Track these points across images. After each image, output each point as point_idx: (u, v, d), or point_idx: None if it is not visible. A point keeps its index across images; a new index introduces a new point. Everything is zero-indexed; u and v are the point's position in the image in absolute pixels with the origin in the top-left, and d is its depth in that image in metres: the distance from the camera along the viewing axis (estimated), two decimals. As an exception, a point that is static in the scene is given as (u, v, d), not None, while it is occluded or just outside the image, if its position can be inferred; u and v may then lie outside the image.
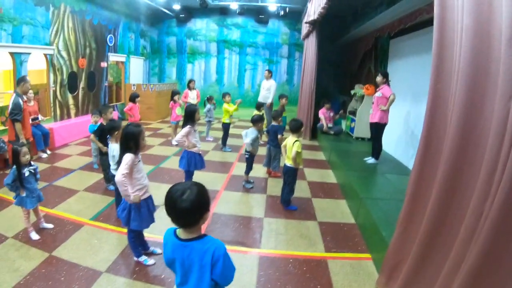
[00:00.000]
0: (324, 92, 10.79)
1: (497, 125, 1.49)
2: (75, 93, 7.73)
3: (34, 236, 3.17)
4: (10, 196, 3.20)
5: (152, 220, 2.82)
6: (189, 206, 1.32)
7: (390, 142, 5.68)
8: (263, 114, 6.55)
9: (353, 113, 7.24)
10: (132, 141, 2.54)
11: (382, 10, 5.62)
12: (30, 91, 5.56)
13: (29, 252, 2.94)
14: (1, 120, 5.63)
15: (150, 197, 2.82)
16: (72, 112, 7.58)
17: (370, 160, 5.26)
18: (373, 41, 6.99)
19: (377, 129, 5.02)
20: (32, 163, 3.23)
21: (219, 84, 11.65)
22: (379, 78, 4.93)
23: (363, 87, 6.69)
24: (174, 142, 3.91)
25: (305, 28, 8.38)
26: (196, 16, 11.21)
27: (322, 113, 7.67)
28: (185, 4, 10.22)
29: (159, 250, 3.02)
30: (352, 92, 7.48)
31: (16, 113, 4.10)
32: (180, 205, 1.32)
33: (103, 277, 2.64)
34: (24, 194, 3.10)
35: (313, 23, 6.89)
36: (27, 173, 3.11)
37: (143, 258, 2.87)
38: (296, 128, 3.87)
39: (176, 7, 10.22)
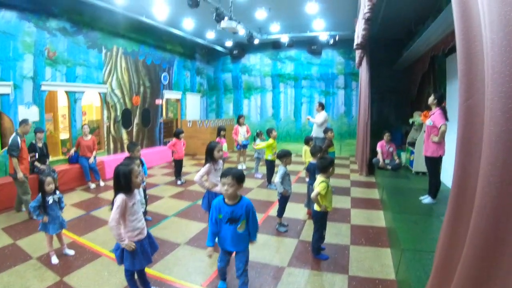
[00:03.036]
0: (385, 122, 9.93)
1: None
2: (129, 129, 8.35)
3: (54, 260, 3.34)
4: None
5: (148, 260, 2.68)
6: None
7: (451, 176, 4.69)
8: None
9: (412, 144, 6.32)
10: (123, 180, 2.48)
11: (428, 24, 4.93)
12: (86, 126, 6.19)
13: (44, 274, 3.10)
14: (63, 151, 6.31)
15: (145, 239, 2.67)
16: (126, 146, 8.08)
17: (426, 199, 4.38)
18: (429, 61, 6.16)
19: (432, 163, 4.19)
20: (57, 192, 3.42)
21: (275, 119, 11.53)
22: (430, 99, 4.20)
23: (421, 114, 5.83)
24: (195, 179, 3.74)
25: (357, 56, 7.92)
26: (249, 52, 11.54)
27: (380, 147, 6.88)
28: (237, 41, 10.65)
29: (159, 292, 2.81)
30: (411, 120, 6.60)
31: (13, 150, 4.54)
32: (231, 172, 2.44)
33: (97, 311, 2.57)
34: (47, 221, 3.28)
35: (361, 48, 6.42)
36: (50, 201, 3.34)
37: (139, 298, 2.68)
38: (323, 167, 3.40)
39: (228, 44, 10.72)
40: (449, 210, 1.59)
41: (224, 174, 2.46)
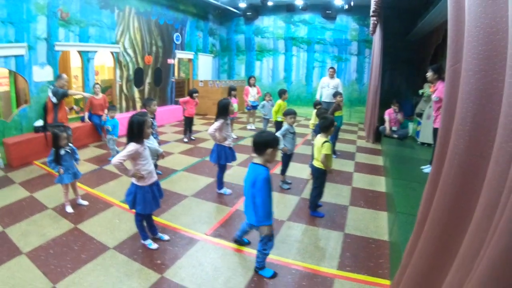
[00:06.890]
0: (396, 92, 9.77)
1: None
2: (141, 87, 8.42)
3: (69, 209, 3.59)
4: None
5: (157, 205, 2.90)
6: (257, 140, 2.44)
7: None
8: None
9: (420, 115, 6.27)
10: (136, 129, 2.64)
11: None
12: (97, 85, 6.32)
13: (59, 222, 3.34)
14: (77, 109, 6.50)
15: (156, 183, 2.89)
16: (138, 105, 8.24)
17: (427, 169, 4.45)
18: (444, 33, 5.92)
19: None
20: (70, 144, 3.60)
21: (287, 82, 11.40)
22: (429, 74, 4.14)
23: (431, 86, 5.71)
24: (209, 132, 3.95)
25: (371, 23, 7.64)
26: (263, 14, 11.21)
27: (388, 114, 6.86)
28: (251, 2, 10.32)
29: (166, 237, 3.07)
30: (420, 91, 6.49)
31: (56, 96, 5.16)
32: (254, 139, 2.45)
33: (108, 252, 2.83)
34: (62, 172, 3.49)
35: (375, 15, 6.18)
36: (63, 152, 3.51)
37: (148, 241, 2.95)
38: (324, 126, 3.47)
39: (242, 5, 10.39)
40: (433, 167, 1.70)
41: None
